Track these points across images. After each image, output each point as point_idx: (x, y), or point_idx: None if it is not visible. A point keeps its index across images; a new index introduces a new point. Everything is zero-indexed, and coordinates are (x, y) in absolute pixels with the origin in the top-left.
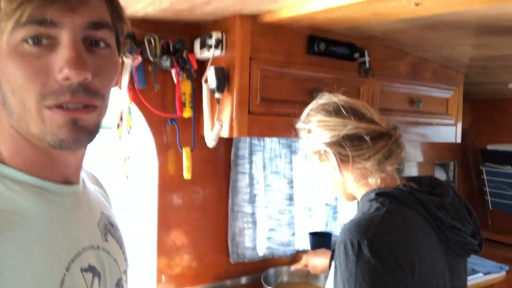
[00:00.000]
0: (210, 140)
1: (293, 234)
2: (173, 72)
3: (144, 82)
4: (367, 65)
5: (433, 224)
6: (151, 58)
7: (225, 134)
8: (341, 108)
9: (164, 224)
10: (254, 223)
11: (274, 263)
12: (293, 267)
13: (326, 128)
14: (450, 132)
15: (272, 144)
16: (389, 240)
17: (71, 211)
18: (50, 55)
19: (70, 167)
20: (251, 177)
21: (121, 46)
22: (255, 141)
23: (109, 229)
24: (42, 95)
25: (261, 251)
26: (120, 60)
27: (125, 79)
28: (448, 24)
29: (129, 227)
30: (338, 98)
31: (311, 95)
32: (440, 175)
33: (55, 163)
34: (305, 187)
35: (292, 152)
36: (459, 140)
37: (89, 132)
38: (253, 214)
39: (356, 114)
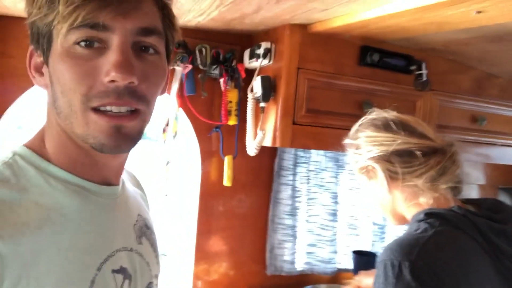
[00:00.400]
0: (252, 149)
1: (335, 252)
2: (222, 80)
3: (193, 90)
4: (424, 78)
5: (490, 252)
6: (201, 67)
7: (267, 143)
8: (391, 123)
9: (204, 229)
10: (294, 236)
11: (313, 279)
12: None
13: (374, 143)
14: None
15: (317, 156)
16: (433, 263)
17: (108, 212)
18: (99, 58)
19: (111, 169)
20: (293, 189)
21: (171, 54)
22: (300, 152)
23: (144, 232)
24: (87, 97)
25: (300, 266)
26: (171, 68)
27: (175, 86)
28: None
29: (167, 231)
30: (388, 114)
31: (361, 108)
32: (505, 201)
33: (96, 164)
34: (350, 204)
35: (339, 166)
36: None
37: (132, 139)
38: (293, 227)
39: (406, 129)
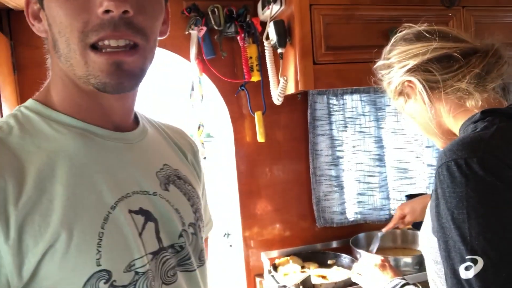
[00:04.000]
0: (277, 97)
1: (387, 198)
2: (239, 38)
3: (212, 52)
4: None
5: None
6: (215, 27)
7: (291, 90)
8: (423, 32)
9: (245, 190)
10: (340, 186)
11: (367, 228)
12: (385, 229)
13: (407, 57)
14: None
15: (353, 102)
16: (504, 156)
17: (119, 156)
18: None
19: (117, 113)
20: (332, 139)
21: None
22: (333, 100)
23: (173, 180)
24: (84, 33)
25: (351, 216)
26: (186, 33)
27: (193, 51)
28: None
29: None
30: (420, 27)
31: (387, 37)
32: None
33: (101, 108)
34: (397, 147)
35: (378, 109)
36: None
37: (134, 75)
38: (337, 177)
39: (441, 35)
